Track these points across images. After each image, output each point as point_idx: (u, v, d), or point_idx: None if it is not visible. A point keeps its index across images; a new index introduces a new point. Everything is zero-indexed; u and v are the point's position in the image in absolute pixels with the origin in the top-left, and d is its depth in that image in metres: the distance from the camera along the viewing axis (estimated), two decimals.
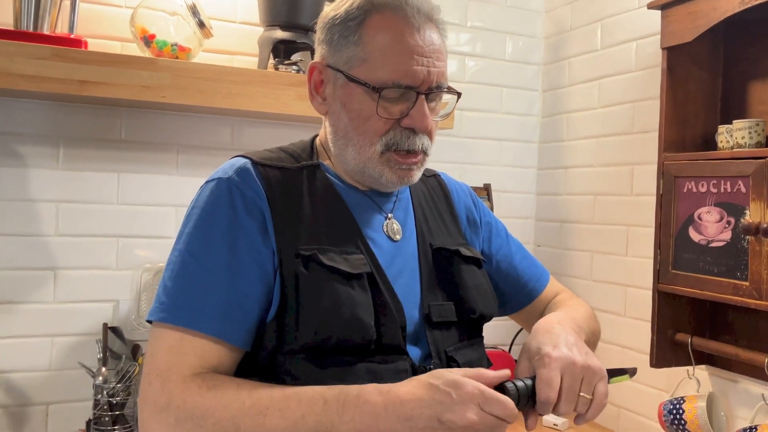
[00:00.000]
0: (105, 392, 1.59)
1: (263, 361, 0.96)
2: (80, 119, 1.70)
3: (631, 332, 1.86)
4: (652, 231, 1.69)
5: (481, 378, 0.88)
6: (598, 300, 1.97)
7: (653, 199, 1.71)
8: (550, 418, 1.90)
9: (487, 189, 2.15)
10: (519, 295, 1.25)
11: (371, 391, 0.87)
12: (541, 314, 1.21)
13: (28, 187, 1.66)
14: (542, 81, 2.26)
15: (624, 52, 1.93)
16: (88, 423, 1.61)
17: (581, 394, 0.92)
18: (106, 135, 1.73)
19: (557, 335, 0.98)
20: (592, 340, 1.14)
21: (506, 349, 2.12)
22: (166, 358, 0.91)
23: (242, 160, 1.04)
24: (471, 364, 1.05)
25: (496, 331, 2.17)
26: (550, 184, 2.21)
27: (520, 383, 0.90)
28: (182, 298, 0.94)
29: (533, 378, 0.92)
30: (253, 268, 0.96)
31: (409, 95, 1.01)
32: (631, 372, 1.02)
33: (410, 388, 0.86)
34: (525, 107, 2.25)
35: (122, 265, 1.74)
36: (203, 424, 0.87)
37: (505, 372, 0.91)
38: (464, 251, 1.13)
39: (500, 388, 0.89)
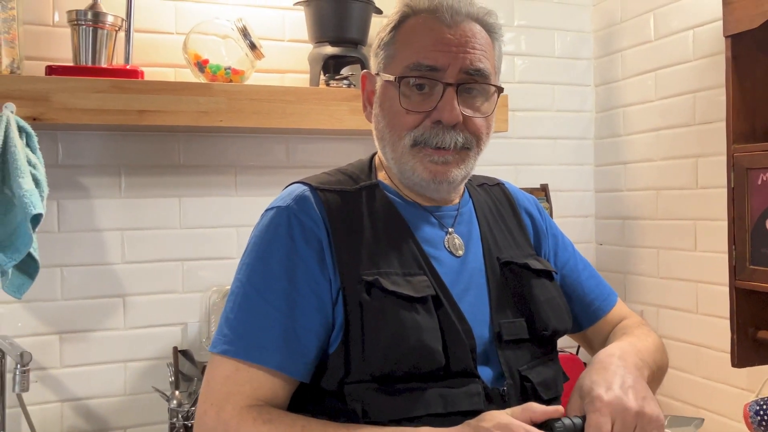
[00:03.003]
0: (180, 416, 1.61)
1: (332, 389, 0.95)
2: (139, 147, 1.73)
3: (706, 330, 1.80)
4: (721, 224, 1.63)
5: (529, 413, 0.86)
6: (667, 297, 1.92)
7: (721, 192, 1.66)
8: None
9: (544, 189, 2.12)
10: (583, 313, 1.19)
11: (424, 429, 0.86)
12: (606, 339, 1.16)
13: (93, 217, 1.69)
14: (594, 76, 2.21)
15: (680, 42, 1.87)
16: None
17: None
18: (165, 161, 1.75)
19: (613, 373, 0.92)
20: (657, 375, 1.07)
21: (574, 351, 2.07)
22: (222, 388, 0.92)
23: (301, 187, 1.04)
24: (546, 382, 1.02)
25: None
26: (609, 180, 2.16)
27: (568, 421, 0.86)
28: (243, 330, 0.94)
29: (584, 418, 0.87)
30: (312, 299, 0.95)
31: (438, 87, 1.00)
32: (697, 424, 0.95)
33: (460, 428, 0.85)
34: (578, 103, 2.20)
35: (188, 288, 1.76)
36: None
37: (557, 408, 0.87)
38: (534, 264, 1.10)
39: (548, 424, 0.85)
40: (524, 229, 1.17)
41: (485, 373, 0.98)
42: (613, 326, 1.18)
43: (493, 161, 2.08)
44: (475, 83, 1.02)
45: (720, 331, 1.73)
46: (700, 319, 1.82)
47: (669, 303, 1.91)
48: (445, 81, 1.00)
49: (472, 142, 1.03)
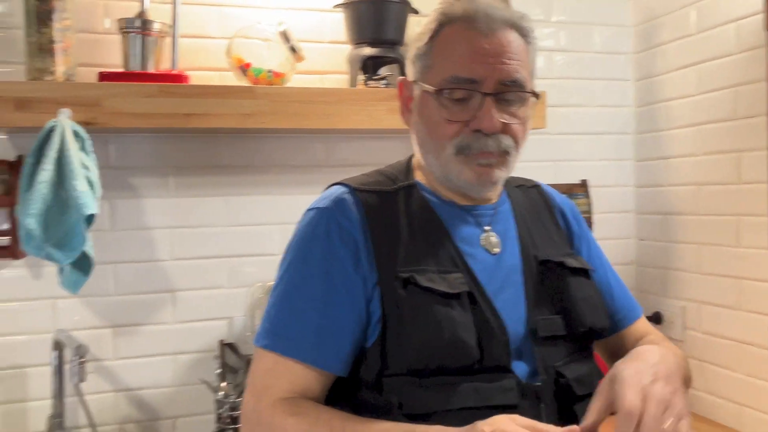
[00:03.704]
0: (226, 406, 1.67)
1: (370, 381, 0.98)
2: (187, 148, 1.79)
3: (749, 327, 1.78)
4: (764, 220, 1.62)
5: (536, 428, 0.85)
6: (709, 294, 1.90)
7: (764, 187, 1.64)
8: None
9: (584, 185, 2.11)
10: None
11: (436, 428, 0.89)
12: (629, 351, 1.17)
13: (143, 216, 1.76)
14: (634, 70, 2.19)
15: (723, 35, 1.84)
16: None
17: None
18: (212, 162, 1.81)
19: (646, 362, 0.91)
20: (685, 386, 1.06)
21: None
22: (262, 380, 0.99)
23: (341, 189, 1.08)
24: (581, 379, 1.03)
25: None
26: (650, 175, 2.14)
27: None
28: (281, 326, 1.00)
29: None
30: (346, 297, 1.00)
31: (476, 97, 1.02)
32: None
33: (468, 428, 0.86)
34: (618, 98, 2.18)
35: (233, 283, 1.83)
36: None
37: (571, 429, 0.85)
38: (571, 262, 1.11)
39: None
40: (561, 229, 1.19)
41: (520, 369, 1.00)
42: (636, 339, 1.18)
43: (532, 157, 2.08)
44: (511, 92, 1.04)
45: (763, 328, 1.71)
46: (743, 316, 1.80)
47: (711, 299, 1.89)
48: (483, 91, 1.02)
49: (512, 145, 1.05)
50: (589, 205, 2.09)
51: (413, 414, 0.94)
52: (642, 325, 1.22)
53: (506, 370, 0.98)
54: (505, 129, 1.04)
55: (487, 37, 1.02)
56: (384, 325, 0.98)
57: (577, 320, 1.06)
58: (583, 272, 1.12)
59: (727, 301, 1.85)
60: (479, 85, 1.02)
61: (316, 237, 1.03)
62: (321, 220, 1.04)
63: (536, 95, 1.07)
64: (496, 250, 1.08)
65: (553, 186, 2.05)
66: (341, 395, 1.02)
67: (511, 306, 1.04)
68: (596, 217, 2.12)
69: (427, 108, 1.06)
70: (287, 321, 1.00)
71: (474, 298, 1.00)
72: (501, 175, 1.06)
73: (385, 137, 1.92)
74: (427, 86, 1.05)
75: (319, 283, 1.00)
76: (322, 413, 0.95)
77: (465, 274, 1.02)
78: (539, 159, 2.10)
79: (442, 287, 0.98)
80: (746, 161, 1.78)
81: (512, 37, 1.04)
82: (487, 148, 1.02)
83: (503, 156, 1.04)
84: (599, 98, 2.17)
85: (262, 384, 0.98)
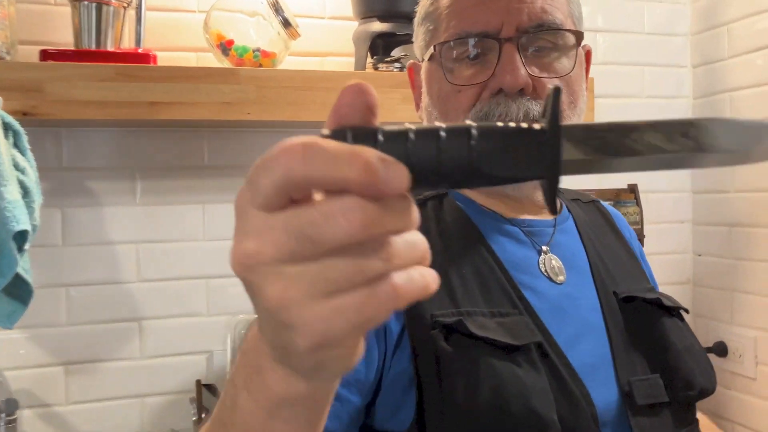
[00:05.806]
0: None
1: None
2: (157, 145, 1.51)
3: None
4: None
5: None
6: None
7: None
8: None
9: (633, 190, 1.81)
10: None
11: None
12: None
13: (104, 228, 1.49)
14: (692, 55, 1.89)
15: None
16: None
17: None
18: (188, 162, 1.53)
19: None
20: None
21: None
22: None
23: None
24: None
25: None
26: (711, 179, 1.84)
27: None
28: None
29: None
30: None
31: (493, 50, 0.79)
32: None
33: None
34: (672, 88, 1.90)
35: (213, 310, 1.55)
36: None
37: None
38: (665, 300, 0.85)
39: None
40: (635, 256, 0.93)
41: None
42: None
43: None
44: (542, 32, 0.79)
45: None
46: None
47: None
48: (498, 38, 0.78)
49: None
50: (639, 214, 1.78)
51: None
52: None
53: None
54: (537, 90, 0.79)
55: None
56: (420, 393, 0.70)
57: (681, 380, 0.80)
58: (678, 313, 0.86)
59: None
60: (492, 33, 0.79)
61: None
62: None
63: (578, 35, 0.82)
64: (561, 278, 0.82)
65: (599, 192, 1.78)
66: None
67: (595, 362, 0.78)
68: (647, 228, 1.81)
69: (435, 81, 0.84)
70: None
71: (544, 350, 0.73)
72: None
73: None
74: (431, 51, 0.84)
75: None
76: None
77: (527, 315, 0.76)
78: None
79: (502, 337, 0.71)
80: None
81: None
82: (509, 114, 0.78)
83: None
84: (651, 88, 1.89)
85: None
